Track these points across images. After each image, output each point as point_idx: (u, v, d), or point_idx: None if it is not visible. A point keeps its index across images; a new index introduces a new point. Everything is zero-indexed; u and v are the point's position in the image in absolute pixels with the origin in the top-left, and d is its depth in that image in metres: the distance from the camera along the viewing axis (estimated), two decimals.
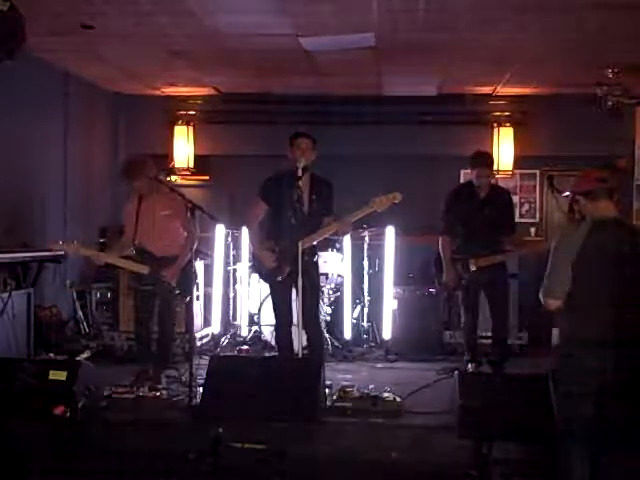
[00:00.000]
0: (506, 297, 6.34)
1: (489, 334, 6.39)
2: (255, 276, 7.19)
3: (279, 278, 5.55)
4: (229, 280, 8.04)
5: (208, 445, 4.42)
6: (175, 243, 5.90)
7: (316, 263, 5.70)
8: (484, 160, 6.25)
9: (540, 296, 3.74)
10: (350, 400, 5.10)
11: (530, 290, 5.49)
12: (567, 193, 6.81)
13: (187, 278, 5.78)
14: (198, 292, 7.27)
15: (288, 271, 5.46)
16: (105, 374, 5.64)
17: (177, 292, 5.83)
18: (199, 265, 7.25)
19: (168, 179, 8.97)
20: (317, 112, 8.78)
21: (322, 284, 7.05)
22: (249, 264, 7.55)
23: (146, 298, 5.92)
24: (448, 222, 6.29)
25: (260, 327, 7.40)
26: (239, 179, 8.83)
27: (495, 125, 9.09)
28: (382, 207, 5.32)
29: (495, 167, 8.33)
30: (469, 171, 6.40)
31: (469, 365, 6.27)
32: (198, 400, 5.07)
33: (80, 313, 7.80)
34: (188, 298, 5.73)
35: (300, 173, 5.36)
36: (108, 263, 6.09)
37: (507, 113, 9.09)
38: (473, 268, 6.09)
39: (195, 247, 5.81)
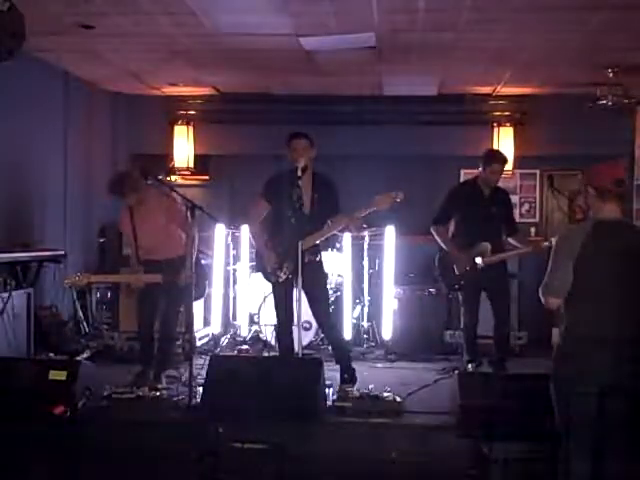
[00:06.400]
0: (507, 296, 6.33)
1: (489, 334, 6.39)
2: (255, 276, 7.19)
3: (280, 278, 5.55)
4: (229, 280, 8.03)
5: (208, 445, 4.42)
6: (178, 243, 5.88)
7: (320, 263, 5.68)
8: (501, 156, 6.28)
9: (540, 294, 3.73)
10: (350, 400, 5.10)
11: (530, 290, 5.49)
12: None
13: (200, 278, 5.79)
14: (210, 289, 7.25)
15: (289, 272, 5.46)
16: (105, 374, 5.64)
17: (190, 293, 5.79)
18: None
19: (168, 179, 8.98)
20: (317, 112, 8.79)
21: None
22: (251, 263, 7.53)
23: (149, 299, 5.91)
24: (443, 213, 6.27)
25: (260, 327, 7.39)
26: (239, 179, 8.84)
27: (495, 125, 9.10)
28: (385, 205, 5.34)
29: None
30: (476, 169, 6.35)
31: (469, 365, 6.25)
32: (198, 400, 5.07)
33: (80, 313, 7.80)
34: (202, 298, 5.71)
35: (300, 173, 5.35)
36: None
37: (507, 113, 9.09)
38: (481, 265, 6.05)
39: (196, 245, 5.80)
